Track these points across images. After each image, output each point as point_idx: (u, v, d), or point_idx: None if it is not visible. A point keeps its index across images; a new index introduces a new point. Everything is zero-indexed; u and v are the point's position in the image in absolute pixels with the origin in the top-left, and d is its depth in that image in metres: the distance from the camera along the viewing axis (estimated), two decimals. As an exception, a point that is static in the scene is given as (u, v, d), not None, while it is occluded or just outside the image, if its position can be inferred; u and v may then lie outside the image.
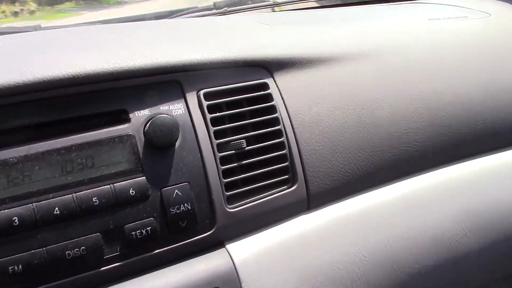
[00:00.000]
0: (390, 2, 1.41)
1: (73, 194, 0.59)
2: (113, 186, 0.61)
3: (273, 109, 0.72)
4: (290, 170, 0.71)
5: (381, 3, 1.40)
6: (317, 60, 0.77)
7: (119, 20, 1.32)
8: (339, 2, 1.42)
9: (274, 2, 1.33)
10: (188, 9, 1.34)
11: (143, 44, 0.73)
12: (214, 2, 1.34)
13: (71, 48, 0.73)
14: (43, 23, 1.25)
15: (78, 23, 1.32)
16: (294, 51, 0.76)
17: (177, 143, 0.65)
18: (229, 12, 1.29)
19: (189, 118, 0.67)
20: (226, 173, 0.67)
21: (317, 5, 1.40)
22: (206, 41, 0.76)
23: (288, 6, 1.36)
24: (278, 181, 0.71)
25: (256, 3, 1.36)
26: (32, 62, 0.62)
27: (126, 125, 0.63)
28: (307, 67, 0.77)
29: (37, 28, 1.15)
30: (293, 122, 0.72)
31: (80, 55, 0.64)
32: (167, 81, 0.67)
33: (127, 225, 0.61)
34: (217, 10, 1.31)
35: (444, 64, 0.85)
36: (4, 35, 1.00)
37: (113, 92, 0.64)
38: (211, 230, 0.66)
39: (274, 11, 1.33)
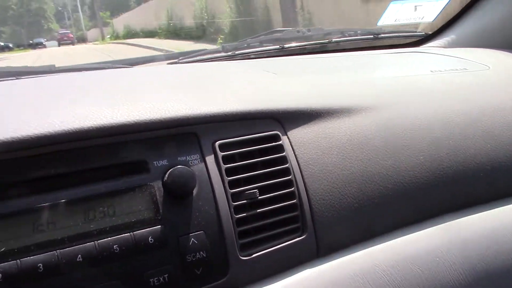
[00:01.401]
0: (391, 47, 1.47)
1: (95, 241, 0.62)
2: (133, 234, 0.63)
3: (284, 160, 0.75)
4: (300, 219, 0.74)
5: (383, 48, 1.46)
6: (326, 112, 0.81)
7: (131, 61, 1.37)
8: (340, 47, 1.46)
9: (280, 47, 1.37)
10: (198, 51, 1.39)
11: (162, 95, 0.77)
12: (222, 46, 1.39)
13: (92, 99, 0.77)
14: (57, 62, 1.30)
15: (90, 63, 1.37)
16: (303, 103, 0.80)
17: (194, 193, 0.68)
18: (237, 55, 1.34)
19: (205, 169, 0.70)
20: (239, 222, 0.70)
21: (320, 50, 1.45)
22: (221, 93, 0.80)
23: (293, 50, 1.41)
24: (288, 229, 0.73)
25: (263, 46, 1.42)
26: (58, 113, 0.65)
27: (146, 175, 0.66)
28: (316, 118, 0.80)
29: (51, 68, 1.19)
30: (303, 172, 0.76)
31: (103, 107, 0.68)
32: (185, 132, 0.71)
33: (145, 272, 0.63)
34: (226, 53, 1.35)
35: (446, 117, 0.89)
36: (22, 78, 1.05)
37: (135, 143, 0.68)
38: (225, 277, 0.68)
39: (280, 55, 1.38)
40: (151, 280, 0.63)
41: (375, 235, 0.80)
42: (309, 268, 0.74)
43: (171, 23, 19.58)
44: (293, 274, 0.73)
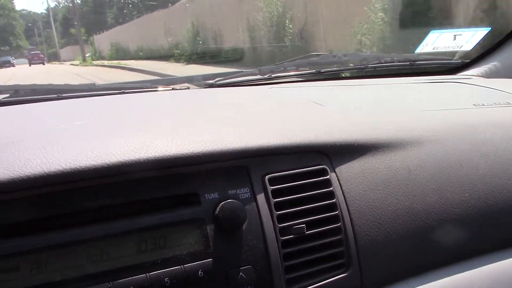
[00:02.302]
0: (426, 74, 1.47)
1: (147, 274, 0.62)
2: (183, 267, 0.64)
3: (331, 195, 0.75)
4: (345, 254, 0.74)
5: (419, 75, 1.45)
6: (373, 146, 0.81)
7: (169, 81, 1.39)
8: (376, 73, 1.46)
9: (316, 71, 1.38)
10: (234, 73, 1.40)
11: (210, 126, 0.77)
12: (259, 68, 1.39)
13: (142, 127, 0.78)
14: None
15: (129, 82, 1.39)
16: (351, 137, 0.80)
17: (244, 226, 0.68)
18: (273, 78, 1.34)
19: (254, 203, 0.70)
20: (287, 257, 0.70)
21: (356, 75, 1.45)
22: (269, 125, 0.80)
23: (329, 74, 1.41)
24: (333, 265, 0.73)
25: (299, 69, 1.42)
26: (112, 145, 0.66)
27: (197, 208, 0.67)
28: (362, 152, 0.80)
29: (91, 87, 1.21)
30: (350, 208, 0.76)
31: (156, 139, 0.68)
32: (235, 166, 0.71)
33: None
34: (262, 76, 1.36)
35: (490, 154, 0.88)
36: (64, 98, 1.07)
37: (187, 176, 0.68)
38: (271, 312, 0.68)
39: (316, 80, 1.38)
40: None
41: (419, 272, 0.79)
42: (353, 304, 0.74)
43: (199, 40, 13.09)
44: (337, 310, 0.73)
